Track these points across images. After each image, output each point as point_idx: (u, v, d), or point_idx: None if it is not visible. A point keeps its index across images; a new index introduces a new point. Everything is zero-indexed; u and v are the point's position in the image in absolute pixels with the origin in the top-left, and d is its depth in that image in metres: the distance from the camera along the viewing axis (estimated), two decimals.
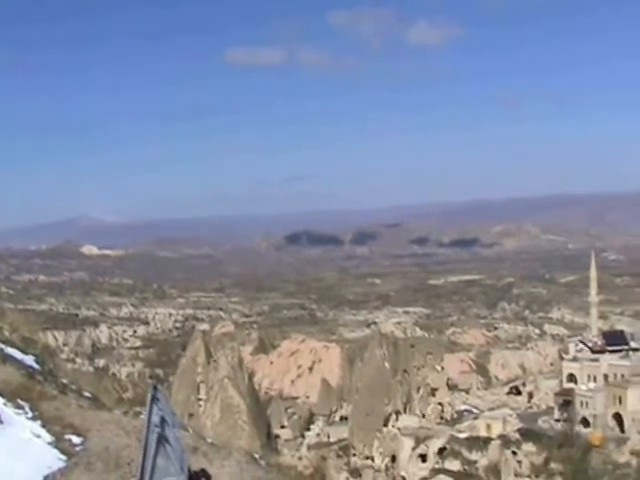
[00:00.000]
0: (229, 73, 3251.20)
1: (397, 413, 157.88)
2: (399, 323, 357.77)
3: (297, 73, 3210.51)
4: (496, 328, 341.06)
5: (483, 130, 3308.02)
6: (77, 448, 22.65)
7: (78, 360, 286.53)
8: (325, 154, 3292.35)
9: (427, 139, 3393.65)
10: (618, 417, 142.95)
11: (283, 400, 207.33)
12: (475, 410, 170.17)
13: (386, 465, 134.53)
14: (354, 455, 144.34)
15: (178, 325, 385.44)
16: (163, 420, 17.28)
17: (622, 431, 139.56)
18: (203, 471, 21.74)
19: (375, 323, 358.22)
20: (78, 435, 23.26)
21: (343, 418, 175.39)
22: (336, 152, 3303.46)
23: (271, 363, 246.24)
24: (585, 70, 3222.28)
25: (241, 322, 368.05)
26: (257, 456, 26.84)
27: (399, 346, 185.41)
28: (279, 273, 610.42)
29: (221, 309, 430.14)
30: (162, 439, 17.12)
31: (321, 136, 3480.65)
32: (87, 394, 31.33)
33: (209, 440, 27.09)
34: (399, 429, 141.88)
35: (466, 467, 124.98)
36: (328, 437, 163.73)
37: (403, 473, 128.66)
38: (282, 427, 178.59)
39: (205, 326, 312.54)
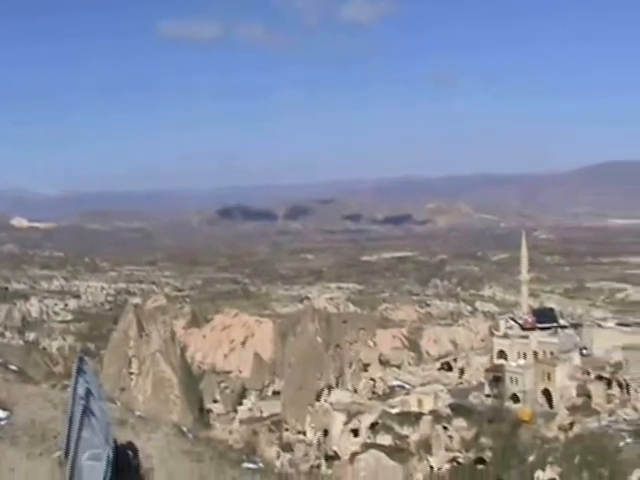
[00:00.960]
0: (160, 46, 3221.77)
1: (329, 388, 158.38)
2: (332, 298, 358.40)
3: (230, 48, 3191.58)
4: (428, 305, 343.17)
5: (418, 106, 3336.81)
6: (2, 422, 22.18)
7: (7, 334, 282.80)
8: (259, 129, 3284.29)
9: (361, 115, 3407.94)
10: (547, 393, 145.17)
11: (216, 374, 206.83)
12: (407, 385, 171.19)
13: (318, 439, 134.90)
14: (286, 430, 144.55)
15: (110, 299, 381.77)
16: (89, 392, 16.90)
17: (551, 407, 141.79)
18: (130, 443, 21.42)
19: (308, 298, 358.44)
20: (3, 409, 22.79)
21: (275, 393, 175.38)
22: (269, 127, 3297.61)
23: (204, 337, 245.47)
24: (520, 49, 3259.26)
25: (174, 296, 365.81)
26: (185, 429, 26.55)
27: (332, 321, 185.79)
28: (212, 247, 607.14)
29: (154, 283, 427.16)
30: (87, 411, 16.75)
31: (254, 110, 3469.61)
32: (13, 367, 30.70)
33: (137, 413, 26.73)
34: (331, 404, 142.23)
35: (397, 442, 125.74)
36: (260, 412, 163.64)
37: (335, 447, 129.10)
38: (214, 401, 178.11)
39: (137, 300, 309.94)
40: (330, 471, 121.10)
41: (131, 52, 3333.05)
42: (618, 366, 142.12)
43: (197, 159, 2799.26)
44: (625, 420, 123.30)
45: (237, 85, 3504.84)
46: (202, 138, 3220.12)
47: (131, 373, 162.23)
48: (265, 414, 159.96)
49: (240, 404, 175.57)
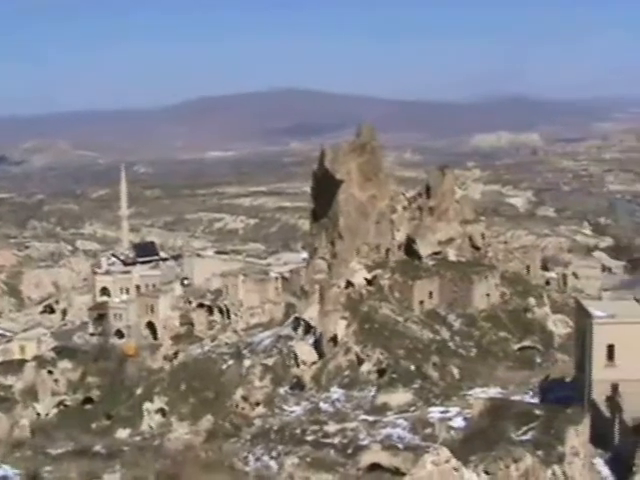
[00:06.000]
0: None
1: None
2: None
3: None
4: (27, 247, 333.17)
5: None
6: None
7: None
8: None
9: None
10: (151, 325, 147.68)
11: None
12: (8, 333, 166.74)
13: None
14: None
15: None
16: None
17: (155, 338, 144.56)
18: None
19: None
20: None
21: None
22: None
23: None
24: None
25: None
26: None
27: None
28: None
29: None
30: None
31: None
32: None
33: None
34: None
35: (2, 393, 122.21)
36: None
37: None
38: None
39: None
40: None
41: None
42: (218, 293, 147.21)
43: None
44: (227, 344, 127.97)
45: None
46: None
47: None
48: None
49: None
